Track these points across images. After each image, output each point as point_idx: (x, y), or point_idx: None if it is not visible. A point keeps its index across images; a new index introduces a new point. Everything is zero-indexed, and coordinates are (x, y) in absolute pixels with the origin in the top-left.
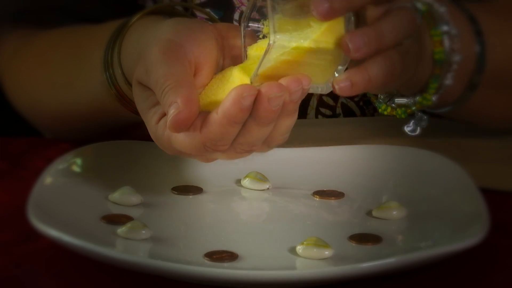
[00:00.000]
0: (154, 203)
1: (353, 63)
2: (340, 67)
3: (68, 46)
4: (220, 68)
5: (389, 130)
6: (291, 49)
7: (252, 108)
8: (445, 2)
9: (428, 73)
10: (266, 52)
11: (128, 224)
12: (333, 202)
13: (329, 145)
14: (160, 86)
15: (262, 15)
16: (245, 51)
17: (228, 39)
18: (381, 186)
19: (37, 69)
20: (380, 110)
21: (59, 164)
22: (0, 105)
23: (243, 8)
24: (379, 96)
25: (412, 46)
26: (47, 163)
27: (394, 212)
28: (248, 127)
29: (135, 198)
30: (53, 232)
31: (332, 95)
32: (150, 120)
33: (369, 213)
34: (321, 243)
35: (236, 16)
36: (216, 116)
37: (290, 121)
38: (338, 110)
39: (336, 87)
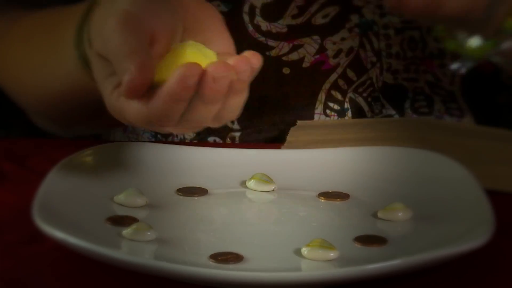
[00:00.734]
0: (159, 204)
1: None
2: None
3: (47, 25)
4: (179, 41)
5: (394, 132)
6: None
7: (198, 87)
8: None
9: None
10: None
11: (133, 226)
12: (338, 203)
13: (335, 146)
14: (116, 55)
15: None
16: None
17: (194, 13)
18: (387, 188)
19: (20, 50)
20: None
21: (64, 166)
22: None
23: (253, 1)
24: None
25: None
26: (52, 164)
27: (400, 214)
28: (194, 105)
29: (140, 200)
30: (58, 234)
31: (341, 89)
32: (106, 89)
33: (374, 215)
34: (326, 245)
35: (246, 8)
36: (161, 92)
37: (239, 98)
38: (346, 105)
39: None
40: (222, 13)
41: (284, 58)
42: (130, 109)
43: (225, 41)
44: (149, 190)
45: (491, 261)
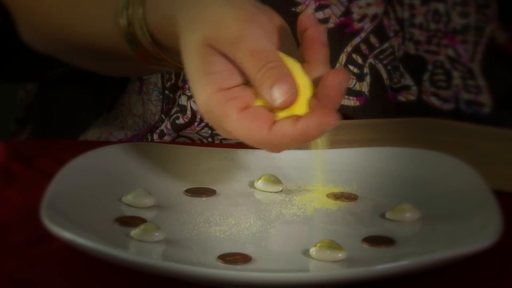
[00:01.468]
0: (167, 205)
1: None
2: None
3: None
4: None
5: (402, 133)
6: None
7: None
8: None
9: None
10: None
11: (142, 226)
12: (346, 204)
13: (343, 147)
14: (262, 59)
15: None
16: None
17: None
18: (395, 189)
19: None
20: None
21: (72, 166)
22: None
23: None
24: None
25: None
26: (60, 165)
27: (408, 214)
28: None
29: (149, 200)
30: (66, 234)
31: (362, 54)
32: (205, 86)
33: (382, 215)
34: (334, 245)
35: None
36: (293, 130)
37: None
38: (366, 70)
39: None
40: None
41: None
42: (241, 126)
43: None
44: (157, 190)
45: (499, 262)
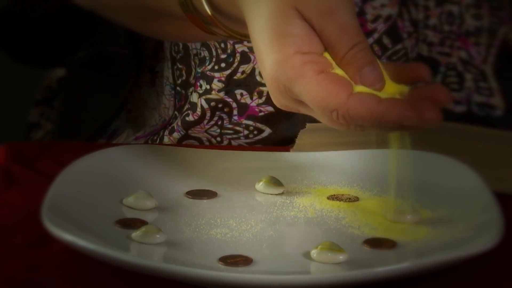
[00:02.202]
0: (168, 207)
1: None
2: None
3: None
4: None
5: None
6: None
7: None
8: None
9: None
10: None
11: (143, 228)
12: (347, 206)
13: (344, 149)
14: (352, 38)
15: None
16: None
17: None
18: (396, 191)
19: None
20: None
21: (73, 168)
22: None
23: None
24: None
25: None
26: (61, 167)
27: (409, 216)
28: None
29: (150, 202)
30: (67, 236)
31: (375, 54)
32: (283, 46)
33: (383, 217)
34: (335, 248)
35: None
36: (375, 105)
37: None
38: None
39: None
40: None
41: None
42: (320, 87)
43: None
44: (158, 192)
45: (500, 264)
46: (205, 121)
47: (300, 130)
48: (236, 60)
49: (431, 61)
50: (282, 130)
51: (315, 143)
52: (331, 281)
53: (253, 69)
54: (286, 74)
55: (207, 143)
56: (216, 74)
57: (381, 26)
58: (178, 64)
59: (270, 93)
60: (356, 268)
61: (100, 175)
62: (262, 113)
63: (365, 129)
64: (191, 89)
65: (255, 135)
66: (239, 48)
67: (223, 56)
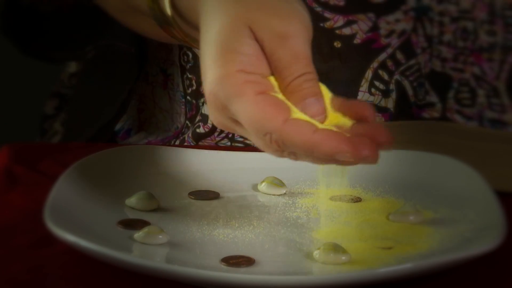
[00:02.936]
0: (171, 208)
1: None
2: None
3: None
4: None
5: (404, 136)
6: None
7: None
8: None
9: None
10: None
11: (145, 229)
12: (350, 206)
13: None
14: (303, 67)
15: None
16: None
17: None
18: (398, 191)
19: None
20: None
21: (75, 169)
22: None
23: None
24: None
25: None
26: (63, 168)
27: (411, 217)
28: None
29: (152, 203)
30: (70, 237)
31: (388, 70)
32: (228, 62)
33: (386, 218)
34: (338, 248)
35: None
36: (309, 133)
37: None
38: (392, 86)
39: None
40: None
41: (337, 31)
42: (257, 108)
43: None
44: (160, 193)
45: (503, 264)
46: (216, 133)
47: None
48: None
49: (444, 77)
50: None
51: None
52: (334, 282)
53: None
54: (225, 91)
55: None
56: None
57: (394, 41)
58: (188, 74)
59: (208, 108)
60: (358, 269)
61: (102, 176)
62: None
63: (298, 157)
64: (202, 100)
65: None
66: None
67: None
